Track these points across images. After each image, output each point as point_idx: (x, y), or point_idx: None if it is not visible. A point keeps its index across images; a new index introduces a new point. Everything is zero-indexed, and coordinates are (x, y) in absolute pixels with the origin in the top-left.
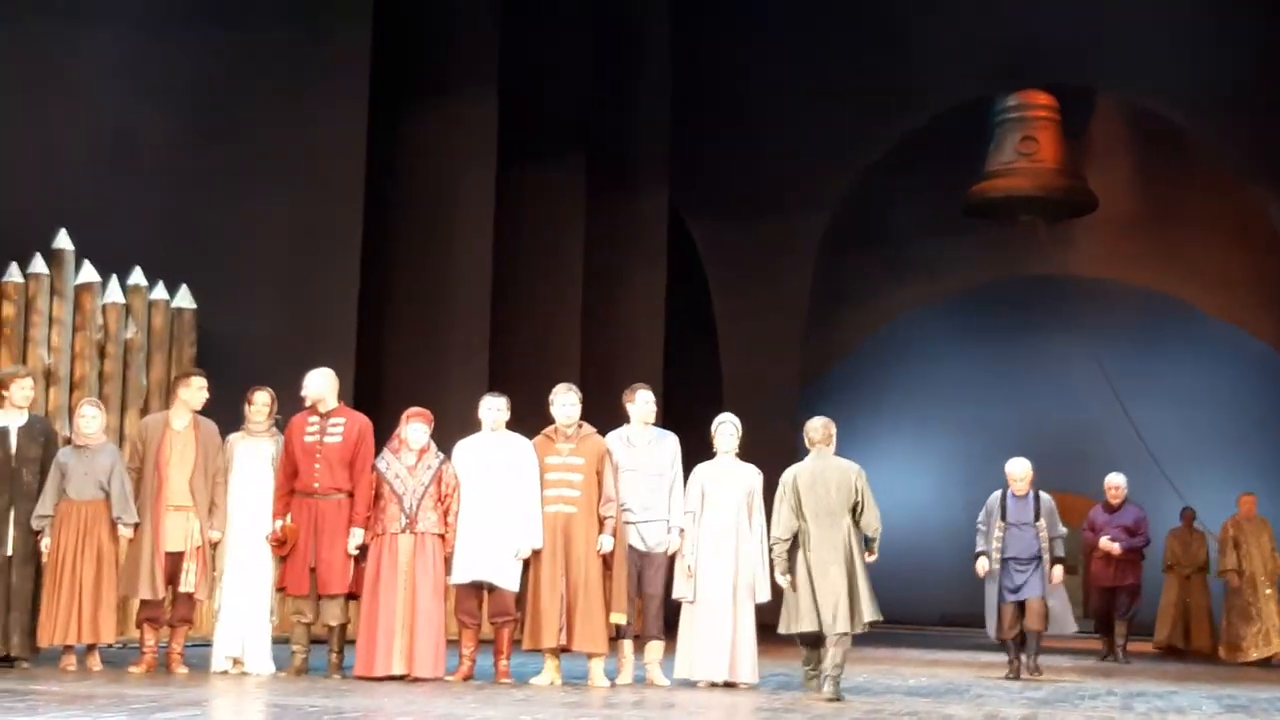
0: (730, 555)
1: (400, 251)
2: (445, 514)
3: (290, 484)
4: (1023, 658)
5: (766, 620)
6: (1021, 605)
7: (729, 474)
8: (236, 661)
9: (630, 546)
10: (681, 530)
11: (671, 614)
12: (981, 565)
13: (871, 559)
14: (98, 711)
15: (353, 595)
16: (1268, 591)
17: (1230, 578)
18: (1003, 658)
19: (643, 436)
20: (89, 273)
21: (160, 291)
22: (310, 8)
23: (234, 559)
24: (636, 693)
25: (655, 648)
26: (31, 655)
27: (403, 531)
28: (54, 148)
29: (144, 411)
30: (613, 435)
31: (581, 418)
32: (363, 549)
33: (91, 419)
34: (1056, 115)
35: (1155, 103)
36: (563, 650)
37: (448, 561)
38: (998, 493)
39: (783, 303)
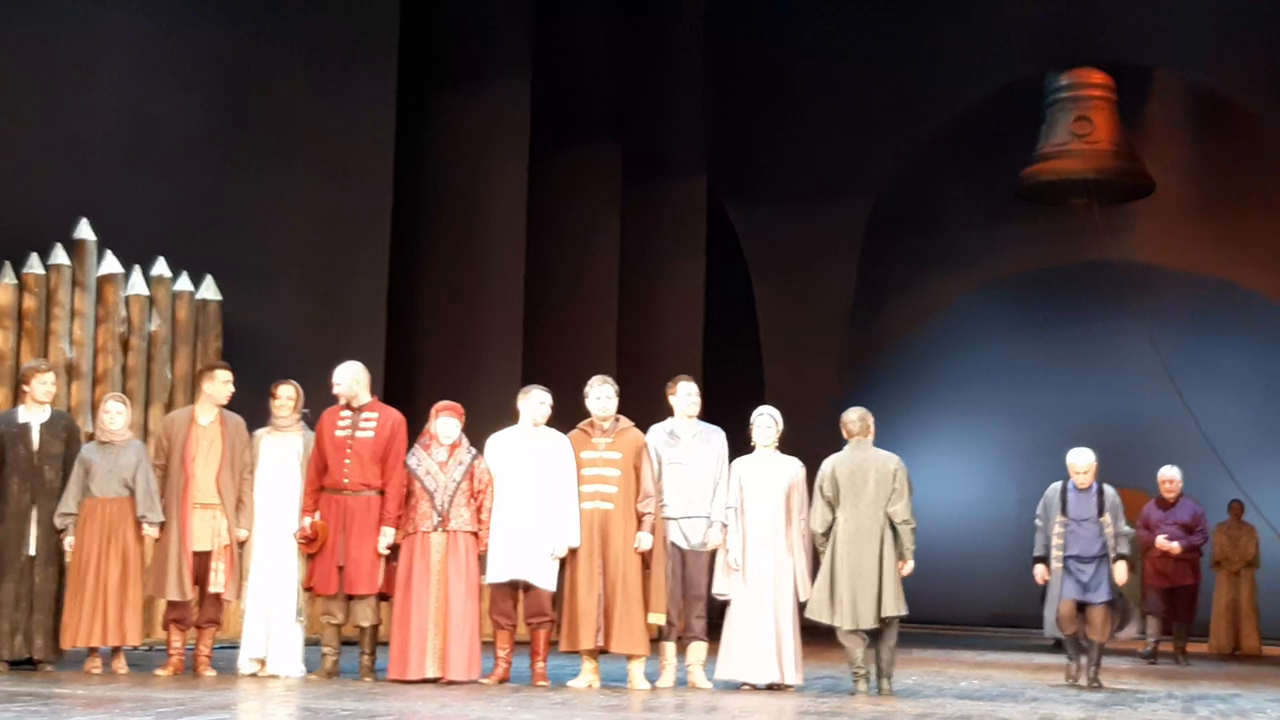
0: (770, 552)
1: (431, 241)
2: (478, 511)
3: (320, 480)
4: (1082, 660)
5: (809, 619)
6: (1082, 606)
7: (768, 468)
8: (263, 663)
9: (672, 544)
10: (724, 525)
11: (715, 614)
12: (1040, 573)
13: (906, 570)
14: (123, 715)
15: (385, 596)
16: None
17: None
18: (1058, 660)
19: (687, 430)
20: (111, 264)
21: (184, 283)
22: None
23: (261, 558)
24: (678, 696)
25: (698, 649)
26: (55, 658)
27: (435, 530)
28: (75, 135)
29: (169, 406)
30: (656, 428)
31: (618, 411)
32: (394, 548)
33: (117, 415)
34: (1112, 95)
35: (1216, 82)
36: (601, 652)
37: (481, 560)
38: (1057, 485)
39: (826, 291)
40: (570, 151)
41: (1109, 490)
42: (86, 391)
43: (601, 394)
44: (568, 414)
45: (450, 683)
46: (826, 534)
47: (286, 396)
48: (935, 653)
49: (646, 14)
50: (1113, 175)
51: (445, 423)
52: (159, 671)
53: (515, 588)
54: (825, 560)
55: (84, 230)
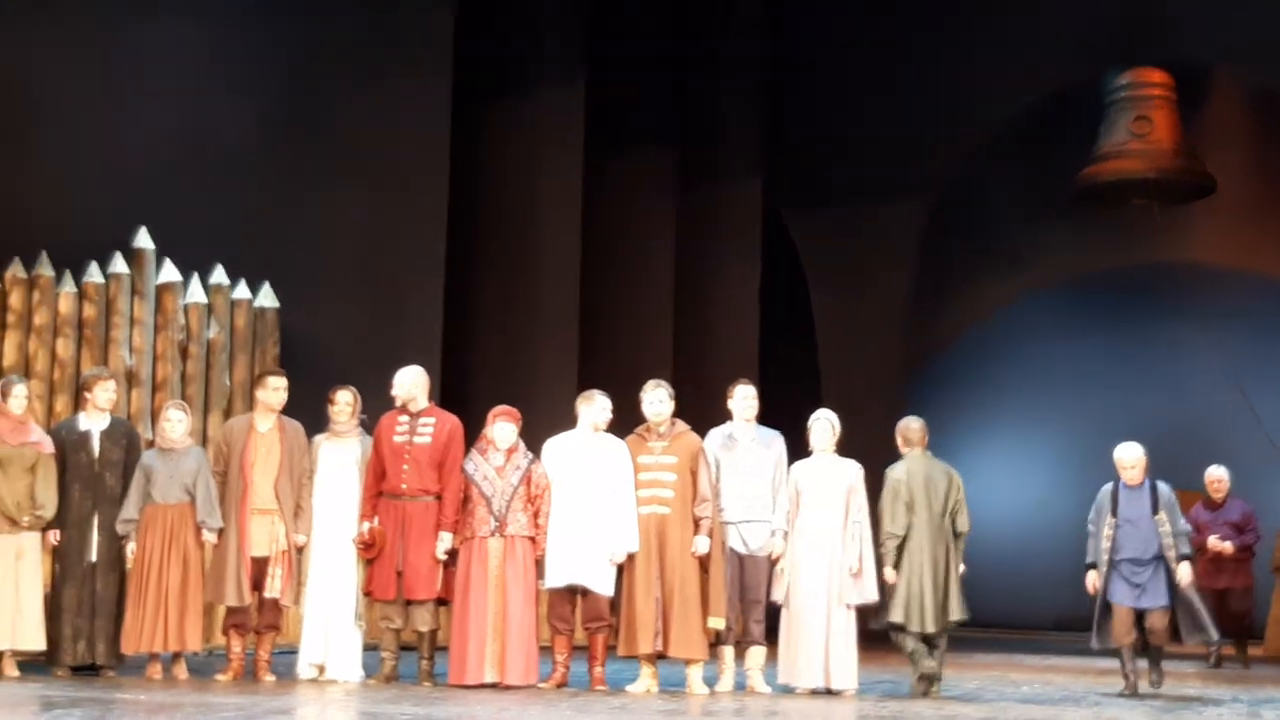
0: (826, 556)
1: (486, 246)
2: (535, 516)
3: (378, 486)
4: (1141, 665)
5: (889, 622)
6: (1140, 614)
7: (826, 472)
8: (323, 669)
9: (730, 549)
10: (785, 533)
11: (773, 619)
12: (1091, 580)
13: (961, 570)
14: None
15: (443, 601)
16: None
17: None
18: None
19: (745, 434)
20: (170, 272)
21: (242, 290)
22: None
23: (320, 563)
24: (737, 701)
25: (757, 654)
26: (117, 663)
27: (492, 535)
28: (133, 145)
29: (227, 413)
30: (714, 432)
31: (674, 415)
32: (452, 553)
33: (178, 423)
34: (1172, 94)
35: (1276, 78)
36: (659, 656)
37: (539, 564)
38: (1108, 486)
39: (882, 294)
40: (625, 158)
41: (1162, 487)
42: (146, 399)
43: (656, 398)
44: (623, 419)
45: (508, 688)
46: (901, 537)
47: (344, 402)
48: (997, 657)
49: (701, 19)
50: (1173, 175)
51: (502, 428)
52: (219, 677)
53: (573, 592)
54: (911, 565)
55: (143, 239)
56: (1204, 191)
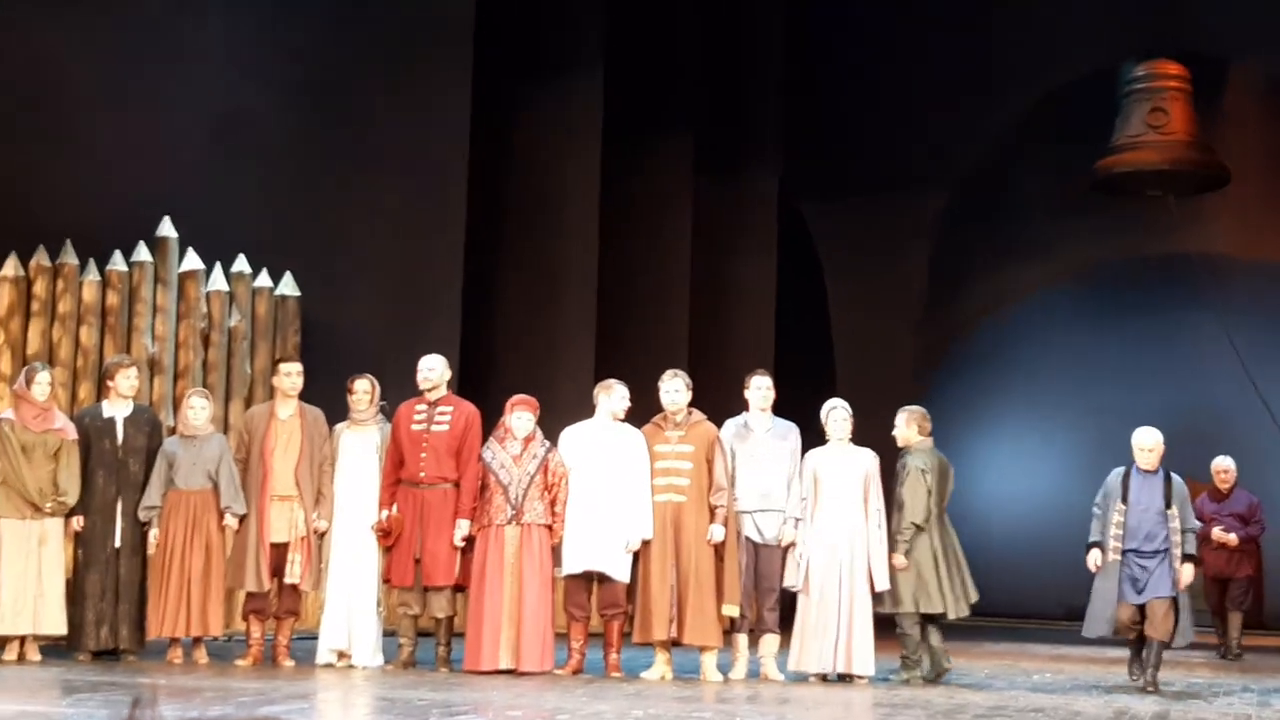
0: (845, 544)
1: (506, 235)
2: (552, 504)
3: (396, 473)
4: (1136, 665)
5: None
6: (1142, 607)
7: (843, 460)
8: (342, 654)
9: (745, 537)
10: (797, 521)
11: (788, 607)
12: (1094, 559)
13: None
14: (204, 704)
15: (460, 587)
16: None
17: None
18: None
19: (761, 424)
20: (193, 260)
21: (264, 279)
22: None
23: (340, 550)
24: (750, 687)
25: (770, 641)
26: (139, 648)
27: (509, 523)
28: (156, 135)
29: (248, 401)
30: (730, 422)
31: (691, 404)
32: (469, 540)
33: (201, 409)
34: (1188, 86)
35: None
36: (674, 643)
37: (555, 552)
38: (1119, 470)
39: (898, 285)
40: (644, 147)
41: (1177, 479)
42: (168, 386)
43: (672, 387)
44: (639, 408)
45: (524, 674)
46: (924, 525)
47: (363, 390)
48: (1008, 646)
49: (721, 8)
50: (1188, 167)
51: (520, 416)
52: (239, 662)
53: (589, 579)
54: (925, 553)
55: (166, 228)
56: (1219, 183)
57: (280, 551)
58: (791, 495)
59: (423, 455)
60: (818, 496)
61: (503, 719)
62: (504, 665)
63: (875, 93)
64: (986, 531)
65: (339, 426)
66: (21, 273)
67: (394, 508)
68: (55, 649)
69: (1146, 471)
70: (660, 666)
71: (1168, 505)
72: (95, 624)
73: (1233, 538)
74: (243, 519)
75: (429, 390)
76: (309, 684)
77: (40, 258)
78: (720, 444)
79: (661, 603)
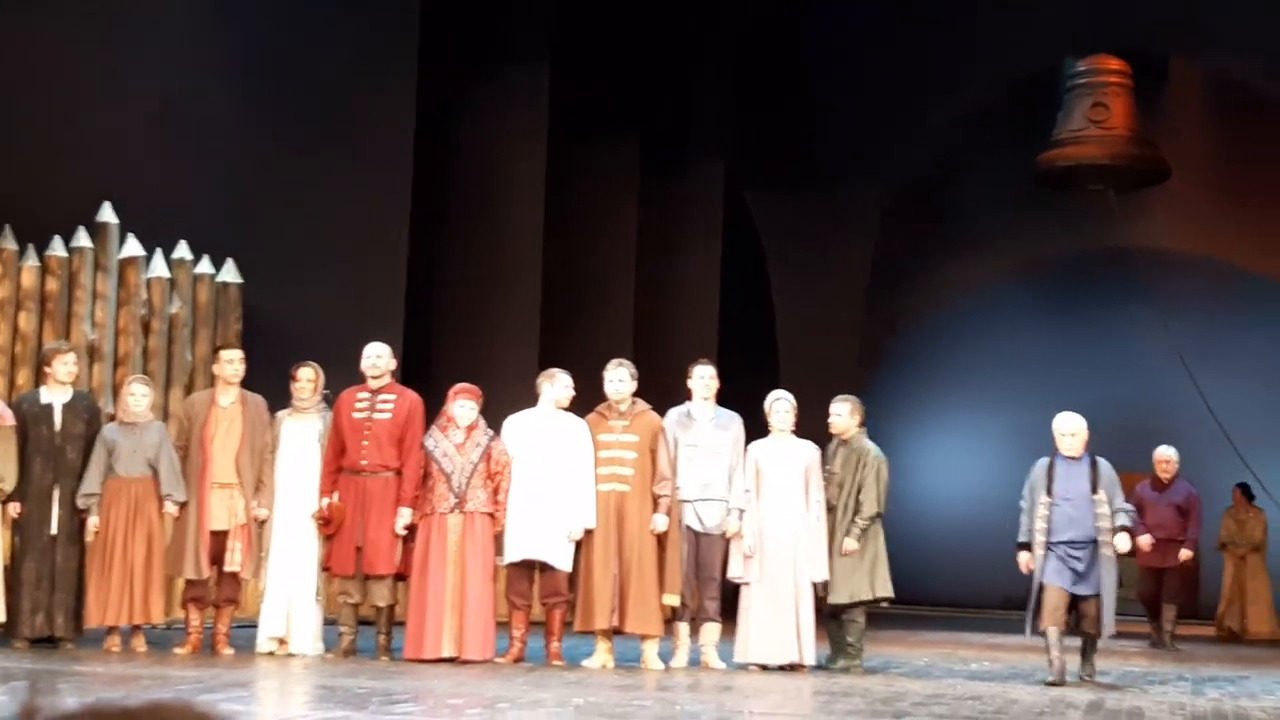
0: (789, 535)
1: (451, 225)
2: (495, 492)
3: (338, 461)
4: (1070, 646)
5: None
6: (1074, 599)
7: (785, 452)
8: (282, 642)
9: (687, 527)
10: (740, 512)
11: (729, 596)
12: (1024, 560)
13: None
14: (142, 693)
15: (401, 576)
16: None
17: None
18: (1070, 644)
19: (704, 414)
20: (133, 246)
21: (206, 266)
22: None
23: (280, 538)
24: (691, 676)
25: (711, 630)
26: (76, 636)
27: (451, 511)
28: (98, 119)
29: (189, 388)
30: (673, 411)
31: (636, 394)
32: (411, 529)
33: (141, 397)
34: (1129, 81)
35: (1232, 69)
36: (615, 632)
37: (498, 540)
38: (1043, 460)
39: (842, 277)
40: (590, 137)
41: (1103, 464)
42: (108, 373)
43: (617, 377)
44: (583, 397)
45: (466, 662)
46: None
47: (306, 379)
48: (947, 635)
49: (669, 3)
50: (1128, 162)
51: (462, 405)
52: (177, 650)
53: (531, 568)
54: (877, 541)
55: (106, 213)
56: (1159, 178)
57: (220, 539)
58: (735, 486)
59: (365, 443)
60: (760, 488)
61: (443, 707)
62: (446, 654)
63: (822, 87)
64: (928, 521)
65: (281, 414)
66: None
67: (335, 496)
68: None
69: (1070, 458)
70: (601, 655)
71: (1094, 491)
72: (31, 612)
73: (1145, 543)
74: (183, 506)
75: (374, 378)
76: (248, 672)
77: None
78: (664, 434)
79: (603, 591)
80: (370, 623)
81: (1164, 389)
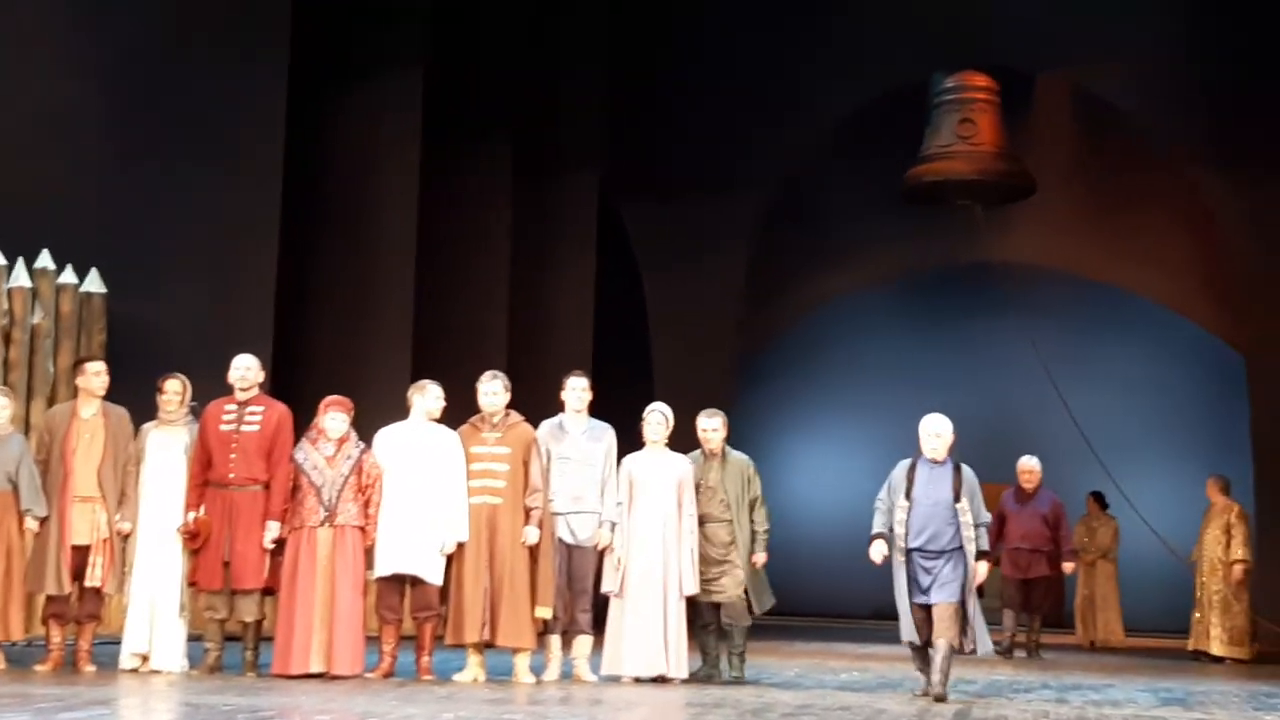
0: (659, 548)
1: (322, 235)
2: (366, 505)
3: (204, 474)
4: (931, 673)
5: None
6: (928, 609)
7: (659, 464)
8: (145, 659)
9: (559, 539)
10: (613, 525)
11: (601, 609)
12: (877, 551)
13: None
14: (1, 712)
15: (269, 590)
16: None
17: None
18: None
19: (576, 426)
20: None
21: (69, 275)
22: None
23: (144, 552)
24: (563, 689)
25: (584, 642)
26: None
27: (321, 524)
28: None
29: (51, 400)
30: (546, 423)
31: (509, 406)
32: (279, 543)
33: (2, 409)
34: (996, 97)
35: (1095, 85)
36: (487, 645)
37: (368, 554)
38: (905, 461)
39: (715, 288)
40: (463, 147)
41: (966, 470)
42: None
43: (491, 389)
44: (458, 409)
45: (335, 677)
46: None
47: (173, 391)
48: (817, 645)
49: (542, 12)
50: (995, 177)
51: (333, 418)
52: (38, 667)
53: (402, 582)
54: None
55: None
56: (1024, 193)
57: (82, 554)
58: (607, 499)
59: (232, 456)
60: (633, 500)
61: None
62: (314, 668)
63: (695, 98)
64: (797, 531)
65: (146, 426)
66: None
67: (201, 509)
68: None
69: (934, 462)
70: (473, 669)
71: (956, 499)
72: None
73: (982, 571)
74: (43, 521)
75: (242, 390)
76: (110, 689)
77: None
78: (537, 446)
79: (474, 604)
80: (237, 638)
81: (1027, 400)
